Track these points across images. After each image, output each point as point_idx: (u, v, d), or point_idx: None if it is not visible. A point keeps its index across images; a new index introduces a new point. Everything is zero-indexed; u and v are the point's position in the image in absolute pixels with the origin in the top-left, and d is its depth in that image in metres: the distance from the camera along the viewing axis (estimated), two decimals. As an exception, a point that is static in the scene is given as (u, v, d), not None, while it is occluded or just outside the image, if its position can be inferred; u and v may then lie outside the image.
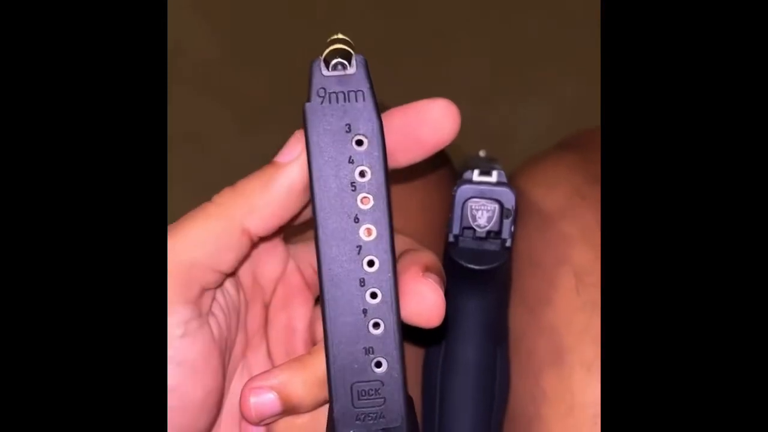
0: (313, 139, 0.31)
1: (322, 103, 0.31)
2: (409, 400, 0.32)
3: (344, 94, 0.31)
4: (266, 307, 0.37)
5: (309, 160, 0.31)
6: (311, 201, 0.31)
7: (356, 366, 0.31)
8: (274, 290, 0.37)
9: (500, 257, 0.38)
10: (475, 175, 0.38)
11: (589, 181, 0.45)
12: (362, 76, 0.31)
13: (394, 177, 0.33)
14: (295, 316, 0.37)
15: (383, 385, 0.31)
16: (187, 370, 0.32)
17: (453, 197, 0.37)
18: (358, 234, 0.31)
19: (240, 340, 0.36)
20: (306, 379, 0.33)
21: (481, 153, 0.48)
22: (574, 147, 0.50)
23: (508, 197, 0.37)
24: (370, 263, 0.31)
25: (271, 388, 0.33)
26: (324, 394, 0.32)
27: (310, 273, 0.37)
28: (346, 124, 0.31)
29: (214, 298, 0.34)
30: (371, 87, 0.31)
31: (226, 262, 0.33)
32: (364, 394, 0.31)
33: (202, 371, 0.33)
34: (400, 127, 0.32)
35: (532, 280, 0.43)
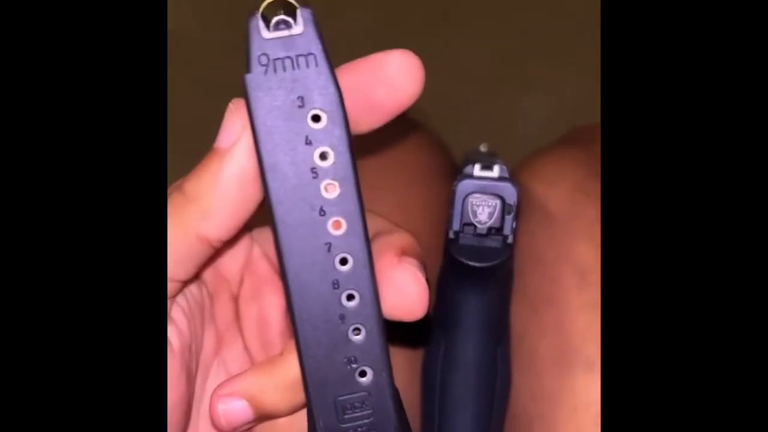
0: (259, 119, 0.26)
1: (266, 73, 0.25)
2: (399, 408, 0.29)
3: (291, 60, 0.25)
4: (235, 299, 0.34)
5: (257, 146, 0.26)
6: (265, 195, 0.26)
7: (338, 379, 0.28)
8: (241, 281, 0.34)
9: (502, 254, 0.37)
10: (477, 170, 0.37)
11: (593, 177, 0.45)
12: (312, 35, 0.25)
13: (369, 152, 0.29)
14: (267, 306, 0.34)
15: (370, 395, 0.28)
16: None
17: (453, 192, 0.37)
18: (325, 228, 0.26)
19: (210, 337, 0.33)
20: (279, 383, 0.30)
21: (482, 147, 0.48)
22: (577, 142, 0.49)
23: (510, 193, 0.36)
24: (343, 261, 0.27)
25: (241, 395, 0.30)
26: (301, 396, 0.29)
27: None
28: (298, 97, 0.26)
29: (172, 304, 0.31)
30: (324, 48, 0.25)
31: (185, 272, 0.30)
32: (349, 408, 0.28)
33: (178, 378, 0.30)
34: (352, 86, 0.27)
35: (535, 277, 0.43)
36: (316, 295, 0.27)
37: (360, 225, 0.27)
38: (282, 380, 0.30)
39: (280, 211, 0.26)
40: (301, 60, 0.26)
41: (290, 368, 0.30)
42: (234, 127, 0.28)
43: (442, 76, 1.04)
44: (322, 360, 0.27)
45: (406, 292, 0.28)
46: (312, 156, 0.26)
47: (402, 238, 0.30)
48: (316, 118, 0.26)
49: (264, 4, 0.25)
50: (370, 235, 0.28)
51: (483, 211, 0.37)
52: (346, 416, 0.28)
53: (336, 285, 0.27)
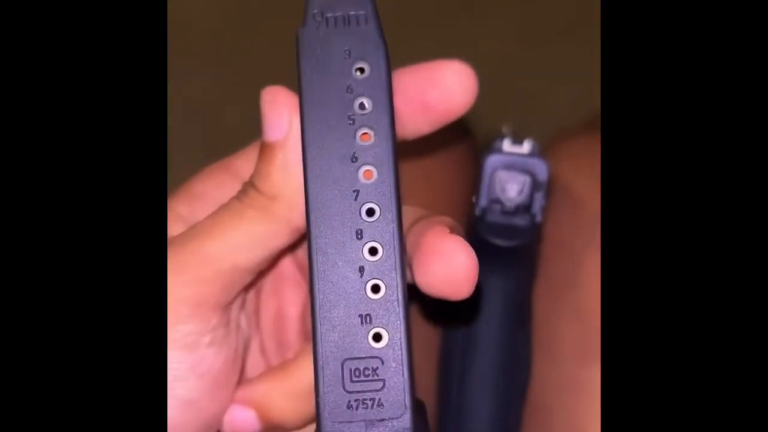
0: (307, 71, 0.27)
1: (318, 28, 0.27)
2: (414, 386, 0.26)
3: (344, 18, 0.27)
4: (258, 291, 0.33)
5: (300, 88, 0.27)
6: (301, 134, 0.27)
7: (349, 338, 0.26)
8: (265, 274, 0.33)
9: (529, 234, 0.36)
10: (506, 145, 0.36)
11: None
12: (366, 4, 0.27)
13: (406, 150, 0.29)
14: (287, 303, 0.33)
15: (382, 363, 0.26)
16: (209, 383, 0.29)
17: (481, 167, 0.35)
18: (356, 176, 0.26)
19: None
20: (289, 391, 0.29)
21: (504, 128, 0.46)
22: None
23: (542, 169, 0.35)
24: (369, 212, 0.26)
25: (248, 404, 0.30)
26: (312, 408, 0.27)
27: (302, 254, 0.33)
28: (346, 50, 0.27)
29: (242, 302, 0.31)
30: (374, 8, 0.27)
31: (268, 262, 0.30)
32: (358, 374, 0.26)
33: (223, 386, 0.30)
34: (406, 87, 0.28)
35: (559, 261, 0.41)
36: (338, 240, 0.26)
37: (391, 175, 0.26)
38: (293, 387, 0.29)
39: (312, 150, 0.27)
40: (353, 17, 0.27)
41: (303, 375, 0.29)
42: (282, 117, 0.28)
43: (464, 53, 1.04)
44: (336, 312, 0.26)
45: (456, 265, 0.27)
46: (352, 104, 0.27)
47: (448, 220, 0.29)
48: (360, 70, 0.27)
49: None
50: (413, 219, 0.29)
51: (512, 187, 0.35)
52: (354, 383, 0.26)
53: (359, 235, 0.26)
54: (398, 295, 0.26)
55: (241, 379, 0.31)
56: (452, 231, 0.28)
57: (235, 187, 0.30)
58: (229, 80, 1.06)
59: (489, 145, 0.36)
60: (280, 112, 0.28)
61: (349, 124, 0.27)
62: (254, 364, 0.33)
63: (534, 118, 0.97)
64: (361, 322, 0.26)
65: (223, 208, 0.29)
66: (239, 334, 0.31)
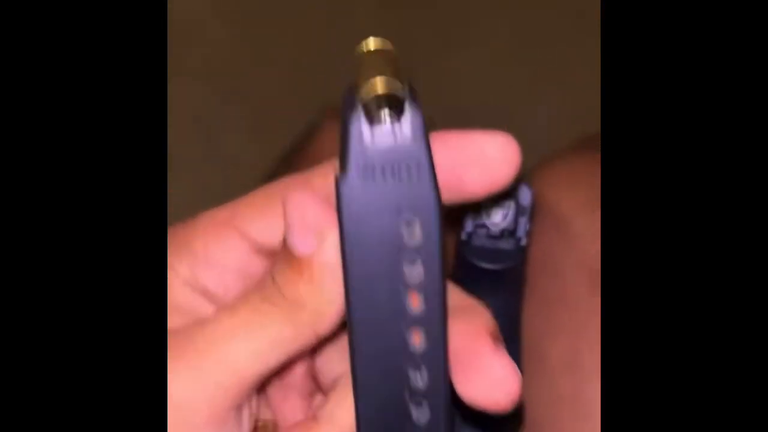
0: (350, 227, 0.24)
1: (363, 179, 0.24)
2: None
3: (393, 167, 0.23)
4: (265, 398, 0.33)
5: (344, 253, 0.25)
6: (346, 300, 0.25)
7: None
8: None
9: (515, 256, 0.37)
10: (491, 170, 0.37)
11: (606, 182, 0.44)
12: (418, 140, 0.23)
13: None
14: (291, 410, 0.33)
15: None
16: None
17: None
18: (406, 342, 0.25)
19: None
20: None
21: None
22: (590, 148, 0.49)
23: (525, 194, 0.36)
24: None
25: None
26: None
27: (317, 363, 0.33)
28: (395, 206, 0.24)
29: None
30: (430, 157, 0.23)
31: (286, 364, 0.29)
32: None
33: None
34: (444, 162, 0.26)
35: (547, 281, 0.43)
36: (384, 383, 0.26)
37: (442, 348, 0.25)
38: None
39: (357, 316, 0.25)
40: (404, 167, 0.24)
41: None
42: (310, 235, 0.27)
43: (454, 84, 1.04)
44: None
45: (501, 384, 0.27)
46: (400, 265, 0.25)
47: (488, 319, 0.29)
48: (409, 227, 0.24)
49: (369, 96, 0.23)
50: (450, 303, 0.27)
51: (496, 212, 0.36)
52: None
53: (408, 389, 0.26)
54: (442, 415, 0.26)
55: None
56: (494, 338, 0.28)
57: (240, 249, 0.30)
58: (237, 108, 1.07)
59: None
60: (308, 231, 0.27)
61: (400, 287, 0.25)
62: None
63: (523, 143, 0.98)
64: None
65: (246, 306, 0.29)
66: (250, 418, 0.30)
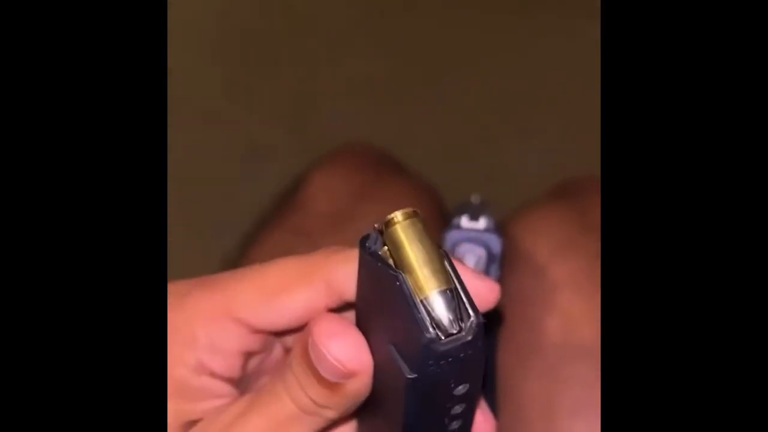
0: (413, 408, 0.27)
1: (429, 371, 0.26)
2: None
3: (455, 359, 0.26)
4: None
5: (404, 419, 0.28)
6: None
7: None
8: None
9: (487, 302, 0.39)
10: (464, 221, 0.39)
11: (580, 230, 0.46)
12: (477, 341, 0.26)
13: None
14: None
15: None
16: None
17: (442, 242, 0.39)
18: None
19: None
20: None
21: (473, 198, 0.49)
22: (565, 196, 0.51)
23: (495, 243, 0.38)
24: None
25: None
26: None
27: None
28: (452, 381, 0.27)
29: None
30: (484, 347, 0.27)
31: None
32: None
33: None
34: None
35: (522, 325, 0.44)
36: None
37: None
38: None
39: None
40: (464, 357, 0.26)
41: None
42: (341, 371, 0.28)
43: (440, 124, 1.06)
44: None
45: None
46: (450, 411, 0.28)
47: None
48: (461, 387, 0.28)
49: (437, 303, 0.26)
50: None
51: (469, 259, 0.38)
52: None
53: None
54: None
55: None
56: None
57: (240, 334, 0.32)
58: (231, 146, 1.08)
59: (449, 222, 0.39)
60: (341, 369, 0.28)
61: (446, 422, 0.29)
62: None
63: (507, 184, 1.00)
64: None
65: (275, 408, 0.30)
66: None
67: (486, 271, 0.38)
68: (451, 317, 0.26)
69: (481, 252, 0.38)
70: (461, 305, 0.26)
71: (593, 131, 0.38)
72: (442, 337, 0.26)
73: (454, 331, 0.26)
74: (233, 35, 1.12)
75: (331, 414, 0.30)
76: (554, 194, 0.52)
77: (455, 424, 0.29)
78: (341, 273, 0.30)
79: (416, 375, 0.26)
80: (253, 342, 0.32)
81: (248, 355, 0.33)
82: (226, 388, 0.32)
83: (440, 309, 0.26)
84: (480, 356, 0.27)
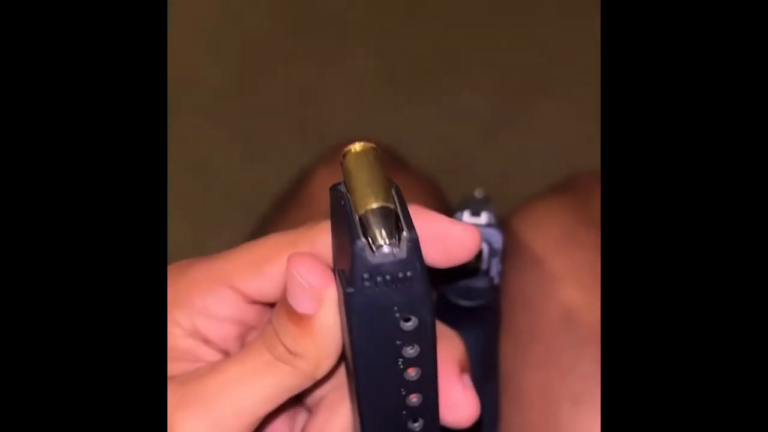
0: (358, 324, 0.28)
1: (366, 289, 0.27)
2: None
3: (393, 278, 0.27)
4: None
5: (352, 340, 0.29)
6: (355, 380, 0.30)
7: None
8: None
9: (489, 294, 0.40)
10: (465, 216, 0.40)
11: (579, 225, 0.47)
12: (414, 259, 0.27)
13: None
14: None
15: None
16: None
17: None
18: (404, 403, 0.30)
19: None
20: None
21: (477, 193, 0.50)
22: (567, 191, 0.51)
23: (496, 238, 0.39)
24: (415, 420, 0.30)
25: None
26: None
27: None
28: (394, 306, 0.28)
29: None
30: (422, 267, 0.27)
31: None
32: None
33: None
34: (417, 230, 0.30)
35: (523, 316, 0.45)
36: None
37: (434, 407, 0.30)
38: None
39: (365, 395, 0.30)
40: (400, 276, 0.27)
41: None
42: (311, 297, 0.30)
43: (444, 120, 1.07)
44: None
45: (460, 410, 0.32)
46: (400, 350, 0.29)
47: (458, 347, 0.34)
48: (406, 319, 0.28)
49: (370, 227, 0.27)
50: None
51: (471, 254, 0.39)
52: None
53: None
54: None
55: None
56: (461, 366, 0.33)
57: (235, 302, 0.33)
58: (233, 140, 1.09)
59: (451, 217, 0.40)
60: (312, 294, 0.30)
61: (398, 366, 0.29)
62: None
63: (511, 179, 1.00)
64: None
65: (250, 355, 0.32)
66: None
67: (488, 265, 0.39)
68: (384, 232, 0.27)
69: (483, 246, 0.39)
70: (399, 225, 0.27)
71: (597, 127, 0.39)
72: (374, 249, 0.27)
73: (387, 245, 0.27)
74: (237, 32, 1.13)
75: (304, 365, 0.31)
76: (556, 189, 0.53)
77: (413, 375, 0.29)
78: (324, 240, 0.32)
79: (353, 289, 0.27)
80: (246, 312, 0.34)
81: (242, 326, 0.34)
82: (218, 358, 0.34)
83: (375, 223, 0.27)
84: (421, 286, 0.27)
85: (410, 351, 0.29)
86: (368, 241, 0.27)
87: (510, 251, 0.45)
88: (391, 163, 0.55)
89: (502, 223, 0.41)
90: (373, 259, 0.27)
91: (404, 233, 0.27)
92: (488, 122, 1.05)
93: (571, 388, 0.43)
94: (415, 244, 0.27)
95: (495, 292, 0.40)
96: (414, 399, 0.30)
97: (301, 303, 0.30)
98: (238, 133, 1.07)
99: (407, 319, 0.28)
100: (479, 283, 0.39)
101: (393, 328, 0.28)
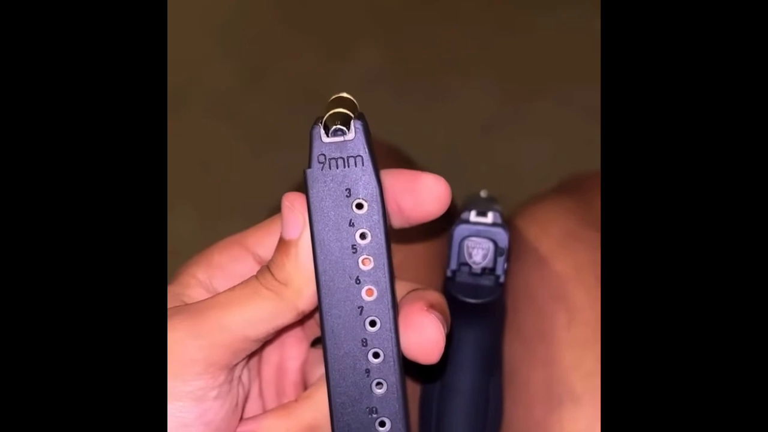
0: (315, 204, 0.32)
1: (322, 169, 0.31)
2: (407, 420, 0.33)
3: (344, 159, 0.31)
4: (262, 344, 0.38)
5: (311, 226, 0.32)
6: (314, 264, 0.32)
7: (360, 427, 0.33)
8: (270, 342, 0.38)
9: (494, 292, 0.40)
10: (472, 216, 0.40)
11: (583, 224, 0.47)
12: (361, 141, 0.31)
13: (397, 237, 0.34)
14: (288, 355, 0.39)
15: (382, 407, 0.33)
16: (213, 429, 0.34)
17: (450, 236, 0.40)
18: (359, 296, 0.32)
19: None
20: (291, 427, 0.34)
21: (482, 193, 0.51)
22: (570, 191, 0.52)
23: (502, 237, 0.40)
24: (372, 323, 0.32)
25: None
26: None
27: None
28: (346, 189, 0.32)
29: (246, 361, 0.36)
30: (370, 151, 0.31)
31: (272, 335, 0.35)
32: (365, 413, 0.33)
33: (225, 431, 0.35)
34: (387, 191, 0.33)
35: (528, 314, 0.46)
36: (347, 349, 0.33)
37: (388, 294, 0.32)
38: (294, 425, 0.34)
39: (324, 278, 0.32)
40: (351, 160, 0.32)
41: (303, 413, 0.34)
42: (297, 220, 0.33)
43: (447, 121, 1.07)
44: (348, 407, 0.33)
45: (426, 336, 0.33)
46: (354, 235, 0.32)
47: (432, 295, 0.35)
48: (359, 206, 0.32)
49: (326, 116, 0.31)
50: (405, 291, 0.34)
51: (477, 252, 0.40)
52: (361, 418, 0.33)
53: (365, 343, 0.32)
54: (398, 389, 0.33)
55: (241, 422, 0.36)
56: (431, 306, 0.34)
57: (247, 261, 0.36)
58: (239, 135, 1.09)
59: (458, 216, 0.41)
60: (297, 217, 0.33)
61: (353, 253, 0.32)
62: (252, 408, 0.38)
63: (514, 179, 1.00)
64: (366, 376, 0.33)
65: (243, 285, 0.34)
66: (241, 387, 0.36)
67: (494, 263, 0.40)
68: (339, 123, 0.31)
69: (488, 246, 0.40)
70: (353, 122, 0.31)
71: (597, 128, 0.39)
72: (328, 133, 0.31)
73: (339, 130, 0.31)
74: (244, 32, 1.14)
75: (287, 291, 0.33)
76: (560, 189, 0.53)
77: (368, 267, 0.32)
78: None
79: (310, 168, 0.31)
80: (255, 271, 0.36)
81: None
82: None
83: (331, 120, 0.31)
84: (369, 167, 0.31)
85: (363, 241, 0.32)
86: (322, 126, 0.31)
87: (515, 250, 0.46)
88: (398, 161, 0.55)
89: (507, 222, 0.42)
90: (326, 140, 0.31)
91: (352, 121, 0.31)
92: (493, 122, 1.05)
93: (574, 386, 0.44)
94: (363, 128, 0.31)
95: (500, 290, 0.40)
96: (369, 294, 0.32)
97: (288, 230, 0.33)
98: (247, 126, 1.07)
99: (359, 206, 0.32)
100: (485, 281, 0.40)
101: (346, 210, 0.32)
